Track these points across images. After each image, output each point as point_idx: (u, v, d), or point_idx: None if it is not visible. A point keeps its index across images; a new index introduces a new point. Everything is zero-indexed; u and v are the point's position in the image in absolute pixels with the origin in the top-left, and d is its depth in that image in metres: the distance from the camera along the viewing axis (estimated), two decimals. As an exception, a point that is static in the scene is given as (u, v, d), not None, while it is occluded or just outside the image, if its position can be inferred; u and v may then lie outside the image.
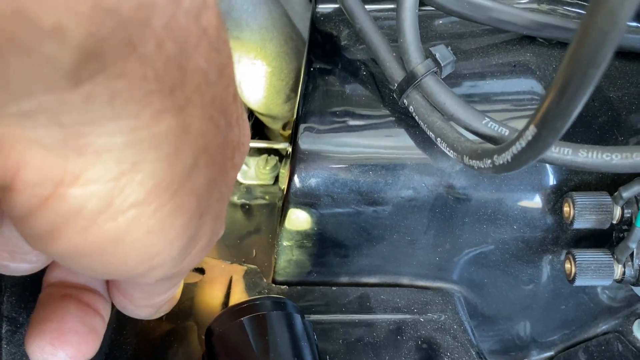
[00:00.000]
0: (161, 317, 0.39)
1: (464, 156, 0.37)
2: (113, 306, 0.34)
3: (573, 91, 0.25)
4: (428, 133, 0.42)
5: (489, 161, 0.33)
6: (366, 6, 0.49)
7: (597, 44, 0.23)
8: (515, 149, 0.30)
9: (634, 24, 0.53)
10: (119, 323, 0.46)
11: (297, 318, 0.41)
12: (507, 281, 0.50)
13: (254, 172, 0.63)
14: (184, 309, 0.50)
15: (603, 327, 0.58)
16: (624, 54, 0.51)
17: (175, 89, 0.20)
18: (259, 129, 0.73)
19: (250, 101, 0.66)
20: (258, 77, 0.64)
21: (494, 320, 0.53)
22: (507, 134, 0.39)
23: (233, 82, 0.24)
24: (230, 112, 0.24)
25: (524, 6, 0.53)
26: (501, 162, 0.32)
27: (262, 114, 0.67)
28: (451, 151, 0.39)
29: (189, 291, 0.50)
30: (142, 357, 0.45)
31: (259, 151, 0.66)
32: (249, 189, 0.63)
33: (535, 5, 0.52)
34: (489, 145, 0.36)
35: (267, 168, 0.63)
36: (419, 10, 0.50)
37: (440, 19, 0.52)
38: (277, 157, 0.64)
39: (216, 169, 0.24)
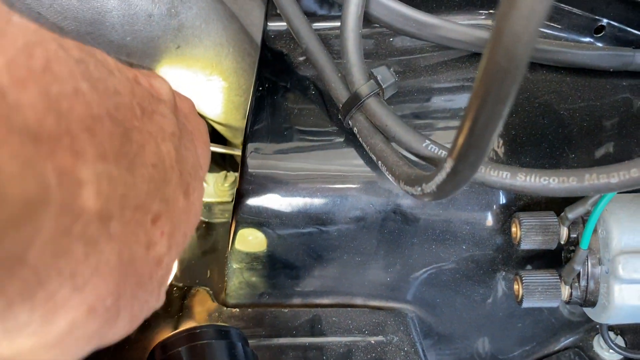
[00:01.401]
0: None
1: (400, 181, 0.37)
2: None
3: (482, 127, 0.24)
4: (370, 155, 0.42)
5: (419, 188, 0.33)
6: (317, 24, 0.49)
7: (499, 84, 0.22)
8: (438, 179, 0.29)
9: (587, 39, 0.53)
10: None
11: (239, 347, 0.40)
12: (460, 301, 0.49)
13: (212, 189, 0.62)
14: (134, 332, 0.49)
15: (563, 342, 0.58)
16: (575, 70, 0.51)
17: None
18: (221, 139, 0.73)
19: (209, 116, 0.66)
20: (215, 93, 0.63)
21: (450, 339, 0.52)
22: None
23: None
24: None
25: (481, 22, 0.52)
26: (429, 190, 0.31)
27: (222, 127, 0.66)
28: (390, 175, 0.39)
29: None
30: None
31: (218, 167, 0.66)
32: (207, 206, 0.62)
33: (489, 22, 0.51)
34: (420, 172, 0.35)
35: (226, 185, 0.62)
36: (373, 27, 0.49)
37: (392, 36, 0.51)
38: (236, 174, 0.63)
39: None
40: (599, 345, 0.57)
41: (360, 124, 0.42)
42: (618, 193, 0.41)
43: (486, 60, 0.22)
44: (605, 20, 0.51)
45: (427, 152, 0.39)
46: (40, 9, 0.45)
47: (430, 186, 0.30)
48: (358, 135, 0.43)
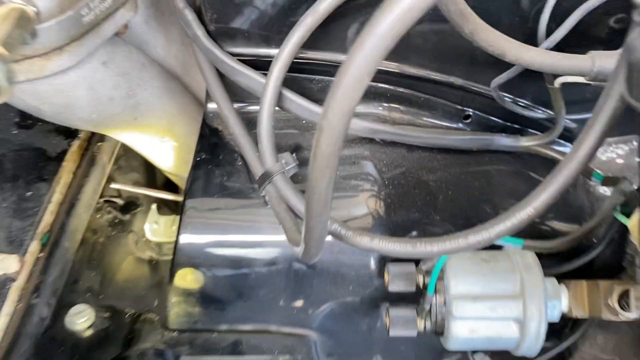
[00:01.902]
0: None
1: (290, 242, 0.51)
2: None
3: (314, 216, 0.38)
4: (277, 219, 0.56)
5: (299, 249, 0.47)
6: (242, 105, 0.62)
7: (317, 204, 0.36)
8: (300, 250, 0.43)
9: (457, 124, 0.67)
10: None
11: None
12: (351, 328, 0.63)
13: (162, 230, 0.75)
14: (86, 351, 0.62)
15: (446, 361, 0.72)
16: (446, 149, 0.65)
17: None
18: (175, 188, 0.86)
19: (164, 168, 0.79)
20: (168, 151, 0.76)
21: (348, 357, 0.66)
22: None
23: None
24: None
25: (378, 111, 0.66)
26: (301, 254, 0.45)
27: (175, 177, 0.79)
28: (286, 235, 0.53)
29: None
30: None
31: (169, 212, 0.79)
32: (158, 245, 0.75)
33: (385, 112, 0.65)
34: (298, 236, 0.49)
35: (174, 228, 0.75)
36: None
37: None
38: (183, 218, 0.76)
39: None
40: (473, 362, 0.71)
41: (270, 195, 0.56)
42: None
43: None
44: (471, 110, 0.66)
45: (314, 220, 0.53)
46: (24, 97, 0.58)
47: (300, 251, 0.44)
48: (268, 203, 0.57)
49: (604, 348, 0.68)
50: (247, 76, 0.59)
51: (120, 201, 0.79)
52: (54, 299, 0.64)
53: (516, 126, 0.68)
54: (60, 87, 0.58)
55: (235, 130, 0.60)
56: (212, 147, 0.65)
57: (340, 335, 0.64)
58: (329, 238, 0.52)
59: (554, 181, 0.41)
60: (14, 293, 0.61)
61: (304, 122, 0.65)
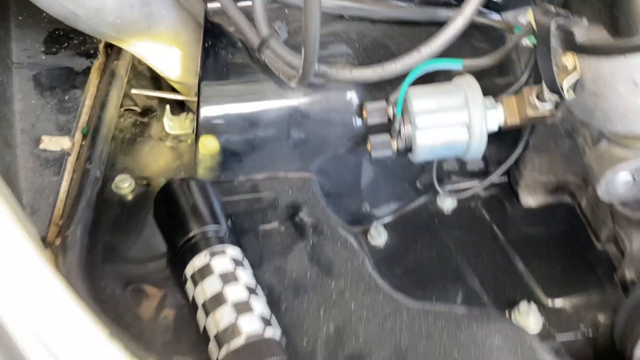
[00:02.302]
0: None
1: (288, 80, 0.67)
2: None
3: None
4: (275, 72, 0.72)
5: (293, 81, 0.63)
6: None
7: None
8: (297, 77, 0.60)
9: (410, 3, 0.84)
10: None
11: (211, 188, 0.69)
12: (341, 165, 0.80)
13: (177, 124, 0.91)
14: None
15: (418, 202, 0.90)
16: (402, 22, 0.82)
17: None
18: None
19: (171, 77, 0.94)
20: (174, 60, 0.92)
21: (340, 196, 0.83)
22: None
23: None
24: None
25: None
26: (298, 79, 0.62)
27: (179, 84, 0.94)
28: (283, 77, 0.69)
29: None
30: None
31: (179, 111, 0.94)
32: (175, 137, 0.91)
33: None
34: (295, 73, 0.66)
35: (187, 121, 0.91)
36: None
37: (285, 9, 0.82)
38: (193, 113, 0.92)
39: None
40: (440, 200, 0.89)
41: (268, 56, 0.73)
42: (415, 85, 0.72)
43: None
44: (418, -9, 0.83)
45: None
46: (64, 2, 0.73)
47: (295, 79, 0.61)
48: (268, 64, 0.73)
49: (541, 169, 0.86)
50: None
51: (138, 109, 0.94)
52: (102, 167, 0.79)
53: (455, 2, 0.85)
54: (93, -10, 0.73)
55: (234, 14, 0.76)
56: (215, 36, 0.81)
57: (332, 175, 0.81)
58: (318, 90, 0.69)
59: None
60: (71, 162, 0.76)
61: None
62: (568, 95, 0.55)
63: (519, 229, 0.87)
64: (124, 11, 0.79)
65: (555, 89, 0.56)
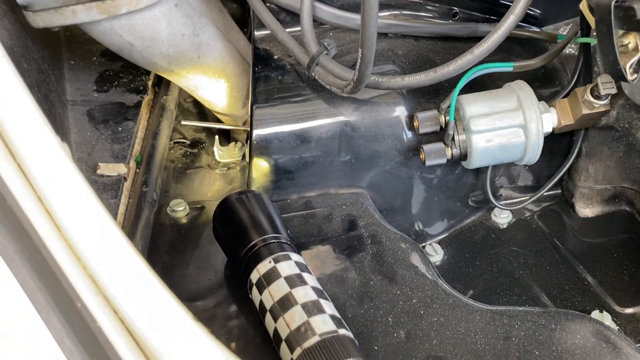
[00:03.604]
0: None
1: (340, 90, 0.68)
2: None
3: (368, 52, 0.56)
4: (326, 87, 0.73)
5: (348, 88, 0.64)
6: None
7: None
8: (353, 81, 0.61)
9: (448, 21, 0.86)
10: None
11: (267, 199, 0.68)
12: (393, 180, 0.79)
13: (227, 153, 0.92)
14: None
15: (471, 218, 0.88)
16: (443, 38, 0.84)
17: None
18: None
19: (217, 109, 0.96)
20: (222, 91, 0.94)
21: (393, 212, 0.82)
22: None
23: None
24: None
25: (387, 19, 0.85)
26: (351, 87, 0.63)
27: (225, 116, 0.96)
28: (335, 89, 0.70)
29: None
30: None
31: (228, 141, 0.96)
32: (225, 165, 0.92)
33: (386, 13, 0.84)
34: (346, 83, 0.67)
35: (236, 150, 0.92)
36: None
37: (330, 32, 0.84)
38: (241, 143, 0.94)
39: None
40: (495, 215, 0.87)
41: (319, 73, 0.74)
42: (464, 92, 0.72)
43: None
44: (457, 9, 0.85)
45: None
46: (122, 33, 0.76)
47: (349, 86, 0.62)
48: (319, 80, 0.74)
49: (596, 178, 0.84)
50: (287, -4, 0.79)
51: (187, 141, 0.96)
52: (157, 190, 0.80)
53: (494, 17, 0.87)
54: (149, 21, 0.77)
55: (284, 37, 0.78)
56: (265, 61, 0.83)
57: (385, 189, 0.80)
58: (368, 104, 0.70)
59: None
60: (127, 187, 0.77)
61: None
62: (631, 76, 0.54)
63: (578, 240, 0.84)
64: (176, 41, 0.82)
65: (617, 73, 0.56)
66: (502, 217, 0.87)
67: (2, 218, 0.39)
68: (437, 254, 0.82)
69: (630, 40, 0.53)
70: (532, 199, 0.85)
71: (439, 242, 0.85)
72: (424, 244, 0.85)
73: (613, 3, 0.51)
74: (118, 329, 0.39)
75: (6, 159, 0.41)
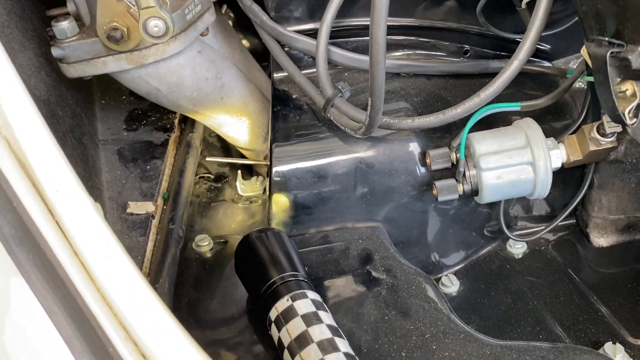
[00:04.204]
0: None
1: (353, 132, 0.72)
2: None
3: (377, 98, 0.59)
4: (341, 128, 0.77)
5: (360, 131, 0.68)
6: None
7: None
8: (365, 124, 0.64)
9: (460, 59, 0.89)
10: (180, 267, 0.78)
11: (286, 237, 0.72)
12: (408, 213, 0.82)
13: (249, 187, 0.96)
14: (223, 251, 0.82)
15: (486, 249, 0.90)
16: (455, 76, 0.87)
17: None
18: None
19: (240, 145, 1.01)
20: (244, 128, 0.99)
21: (409, 244, 0.84)
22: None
23: None
24: None
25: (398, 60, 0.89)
26: (363, 130, 0.66)
27: (247, 150, 1.01)
28: (349, 130, 0.74)
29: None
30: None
31: (250, 175, 1.00)
32: (247, 198, 0.96)
33: (399, 53, 0.88)
34: (359, 126, 0.71)
35: (257, 184, 0.96)
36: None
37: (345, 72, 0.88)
38: (262, 177, 0.98)
39: None
40: (510, 245, 0.89)
41: (334, 115, 0.78)
42: (474, 129, 0.75)
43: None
44: (468, 46, 0.88)
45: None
46: (149, 79, 0.82)
47: (362, 129, 0.65)
48: (334, 120, 0.78)
49: (609, 208, 0.86)
50: (303, 41, 0.83)
51: (211, 176, 1.01)
52: (183, 227, 0.84)
53: (504, 54, 0.90)
54: (174, 68, 0.82)
55: (300, 80, 0.82)
56: (283, 102, 0.87)
57: (400, 222, 0.83)
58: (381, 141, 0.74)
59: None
60: (155, 224, 0.82)
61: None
62: (630, 121, 0.57)
63: (593, 270, 0.86)
64: (200, 84, 0.87)
65: (617, 118, 0.58)
66: (517, 248, 0.88)
67: (43, 272, 0.44)
68: (453, 285, 0.85)
69: (628, 87, 0.55)
70: (546, 229, 0.87)
71: (455, 273, 0.88)
72: (440, 275, 0.87)
73: (608, 54, 0.53)
74: (146, 373, 0.43)
75: (45, 217, 0.45)
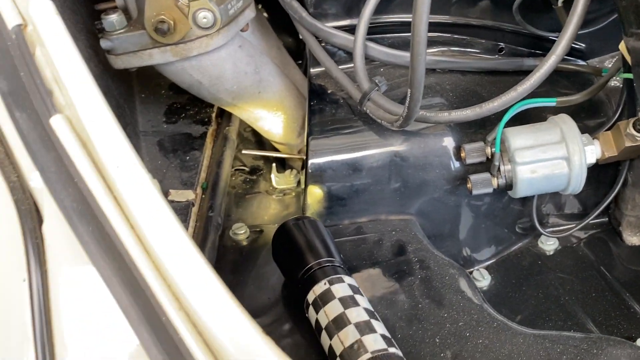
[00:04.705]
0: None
1: (390, 125, 0.73)
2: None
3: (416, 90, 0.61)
4: (377, 121, 0.79)
5: (397, 123, 0.69)
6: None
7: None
8: (402, 116, 0.66)
9: (495, 56, 0.90)
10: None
11: (322, 225, 0.74)
12: (441, 207, 0.84)
13: (283, 180, 0.99)
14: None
15: (518, 245, 0.91)
16: (490, 72, 0.88)
17: None
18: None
19: (275, 139, 1.03)
20: (279, 122, 1.01)
21: (441, 238, 0.86)
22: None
23: None
24: None
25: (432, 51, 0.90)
26: (400, 122, 0.68)
27: (281, 145, 1.03)
28: (385, 123, 0.75)
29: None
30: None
31: (284, 169, 1.02)
32: (281, 191, 0.98)
33: (434, 49, 0.89)
34: (395, 118, 0.73)
35: (291, 177, 0.98)
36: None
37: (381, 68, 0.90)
38: (296, 170, 1.00)
39: None
40: (542, 242, 0.90)
41: (370, 108, 0.80)
42: (509, 125, 0.76)
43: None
44: (503, 44, 0.90)
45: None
46: (192, 72, 0.84)
47: (399, 121, 0.67)
48: (370, 114, 0.80)
49: (643, 207, 0.86)
50: (341, 37, 0.85)
51: (247, 168, 1.04)
52: (222, 215, 0.87)
53: (539, 52, 0.90)
54: (216, 61, 0.84)
55: (337, 74, 0.84)
56: (320, 96, 0.89)
57: (433, 216, 0.84)
58: (416, 135, 0.76)
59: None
60: (194, 212, 0.85)
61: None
62: (669, 115, 0.57)
63: (625, 267, 0.86)
64: (240, 78, 0.89)
65: (655, 111, 0.59)
66: (548, 244, 0.89)
67: (102, 244, 0.46)
68: (484, 279, 0.86)
69: (667, 80, 0.56)
70: (578, 226, 0.87)
71: (486, 268, 0.89)
72: (471, 270, 0.88)
73: (648, 47, 0.54)
74: (197, 341, 0.46)
75: (105, 192, 0.48)
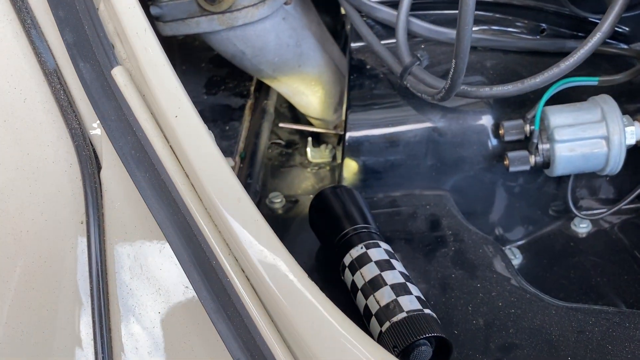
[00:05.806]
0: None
1: (430, 97, 0.74)
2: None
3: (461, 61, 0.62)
4: (417, 94, 0.80)
5: (438, 97, 0.70)
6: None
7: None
8: (445, 88, 0.67)
9: (536, 37, 0.90)
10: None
11: (358, 193, 0.76)
12: (476, 184, 0.84)
13: (318, 154, 1.00)
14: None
15: (550, 227, 0.91)
16: (532, 52, 0.88)
17: None
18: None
19: (311, 114, 1.05)
20: (316, 98, 1.03)
21: (474, 216, 0.86)
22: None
23: None
24: None
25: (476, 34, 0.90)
26: (443, 94, 0.69)
27: (317, 120, 1.05)
28: (426, 96, 0.76)
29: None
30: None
31: (319, 143, 1.04)
32: (316, 164, 1.00)
33: (476, 28, 0.90)
34: (437, 91, 0.73)
35: (327, 151, 1.00)
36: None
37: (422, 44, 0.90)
38: (331, 145, 1.02)
39: None
40: (575, 224, 0.90)
41: (411, 82, 0.81)
42: (548, 104, 0.76)
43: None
44: (545, 25, 0.90)
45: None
46: (236, 42, 0.86)
47: (441, 92, 0.68)
48: (411, 88, 0.81)
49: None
50: (384, 11, 0.86)
51: (283, 142, 1.06)
52: (259, 182, 0.89)
53: (581, 34, 0.90)
54: (260, 32, 0.86)
55: (379, 48, 0.85)
56: (359, 70, 0.90)
57: (468, 192, 0.85)
58: (455, 112, 0.76)
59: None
60: (233, 178, 0.87)
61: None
62: None
63: (660, 253, 0.86)
64: (282, 50, 0.91)
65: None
66: (581, 227, 0.89)
67: (158, 190, 0.49)
68: (515, 258, 0.86)
69: None
70: (612, 210, 0.87)
71: (518, 247, 0.89)
72: (502, 248, 0.89)
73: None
74: (244, 285, 0.48)
75: (162, 141, 0.50)
